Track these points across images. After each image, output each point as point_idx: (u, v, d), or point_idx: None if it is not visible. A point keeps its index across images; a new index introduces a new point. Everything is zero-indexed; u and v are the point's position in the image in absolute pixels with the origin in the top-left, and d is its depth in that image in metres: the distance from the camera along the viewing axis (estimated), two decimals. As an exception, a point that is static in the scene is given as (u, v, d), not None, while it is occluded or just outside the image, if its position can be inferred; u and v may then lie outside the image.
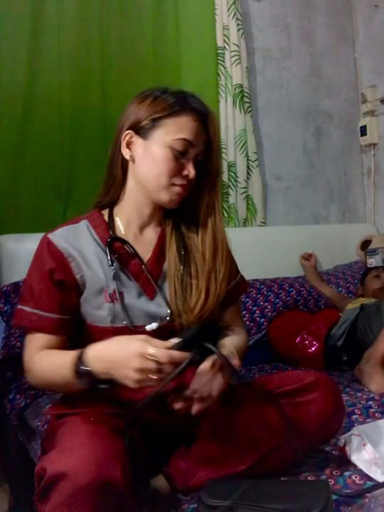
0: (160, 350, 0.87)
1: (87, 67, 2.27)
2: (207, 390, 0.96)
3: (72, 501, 0.79)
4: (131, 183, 1.14)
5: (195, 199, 1.15)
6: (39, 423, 1.45)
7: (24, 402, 1.66)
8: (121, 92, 2.23)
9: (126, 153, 1.12)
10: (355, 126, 2.97)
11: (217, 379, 0.96)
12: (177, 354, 0.87)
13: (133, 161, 1.12)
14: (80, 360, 0.94)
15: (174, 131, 1.07)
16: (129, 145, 1.12)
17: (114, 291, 1.07)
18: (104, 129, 2.23)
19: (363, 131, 2.90)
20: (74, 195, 2.19)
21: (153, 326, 1.07)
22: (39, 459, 1.21)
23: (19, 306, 1.10)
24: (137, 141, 1.10)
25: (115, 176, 1.15)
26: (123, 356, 0.89)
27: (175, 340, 0.90)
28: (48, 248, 1.08)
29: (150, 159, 1.09)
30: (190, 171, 1.09)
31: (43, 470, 0.83)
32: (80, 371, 0.94)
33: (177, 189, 1.10)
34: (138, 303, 1.09)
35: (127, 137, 1.11)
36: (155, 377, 0.87)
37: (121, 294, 1.08)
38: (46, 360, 1.05)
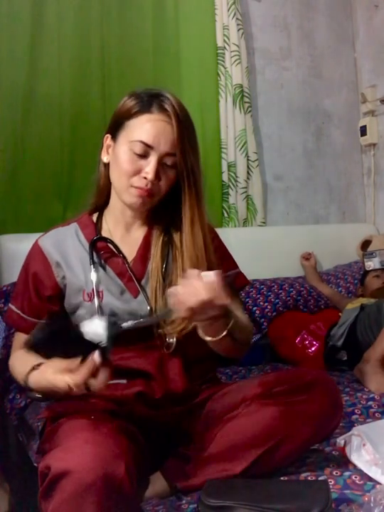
0: (77, 381, 0.89)
1: (87, 68, 2.27)
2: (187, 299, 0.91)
3: (76, 498, 0.79)
4: (113, 186, 1.15)
5: (180, 202, 1.13)
6: (39, 423, 1.45)
7: (24, 402, 1.66)
8: (122, 92, 2.20)
9: (104, 155, 1.14)
10: (355, 126, 2.97)
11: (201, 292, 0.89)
12: (86, 371, 0.89)
13: (109, 164, 1.13)
14: (27, 376, 0.99)
15: (133, 133, 1.07)
16: (108, 148, 1.13)
17: (93, 290, 1.09)
18: (104, 129, 2.22)
19: (363, 131, 2.90)
20: (74, 195, 2.19)
21: (130, 324, 1.07)
22: (36, 459, 1.22)
23: (9, 304, 1.18)
24: (112, 144, 1.12)
25: (100, 179, 1.17)
26: (54, 386, 0.93)
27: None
28: (36, 253, 1.15)
29: (116, 161, 1.10)
30: (148, 172, 1.06)
31: (47, 468, 0.83)
32: (25, 387, 1.00)
33: (136, 191, 1.08)
34: (118, 301, 1.10)
35: (107, 141, 1.14)
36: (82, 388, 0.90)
37: (100, 292, 1.09)
38: (17, 361, 1.11)
